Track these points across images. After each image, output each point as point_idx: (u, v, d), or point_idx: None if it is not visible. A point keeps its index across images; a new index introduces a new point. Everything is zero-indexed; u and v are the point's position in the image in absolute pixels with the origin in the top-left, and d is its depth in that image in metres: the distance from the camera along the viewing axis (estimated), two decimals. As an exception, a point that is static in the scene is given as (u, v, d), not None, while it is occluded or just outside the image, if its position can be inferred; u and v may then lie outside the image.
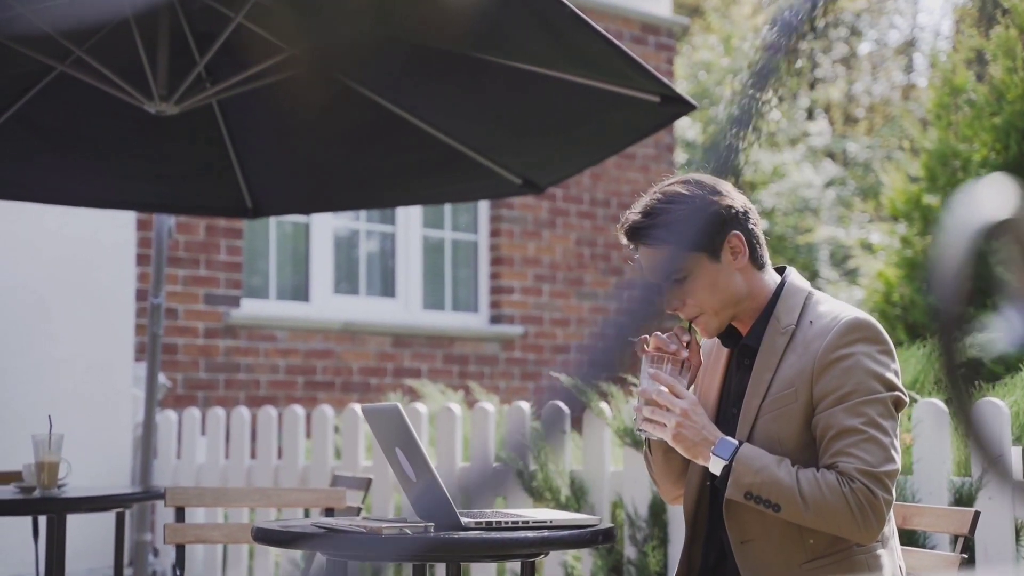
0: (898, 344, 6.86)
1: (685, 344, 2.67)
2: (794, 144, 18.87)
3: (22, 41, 4.55)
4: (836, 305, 2.64)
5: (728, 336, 2.74)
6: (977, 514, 2.72)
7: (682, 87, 17.82)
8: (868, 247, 14.67)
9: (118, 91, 4.60)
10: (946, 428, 3.93)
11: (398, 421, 2.78)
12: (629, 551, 4.65)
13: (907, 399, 2.58)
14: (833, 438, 2.52)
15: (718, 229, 2.64)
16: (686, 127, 17.48)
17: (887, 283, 8.45)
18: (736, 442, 2.57)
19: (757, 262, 2.69)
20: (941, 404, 3.93)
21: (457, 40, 4.44)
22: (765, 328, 2.65)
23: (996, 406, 3.79)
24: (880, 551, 2.58)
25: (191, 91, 4.71)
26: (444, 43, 4.46)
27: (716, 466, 2.56)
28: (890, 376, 2.54)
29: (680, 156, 16.21)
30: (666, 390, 2.61)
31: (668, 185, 2.68)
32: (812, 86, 21.84)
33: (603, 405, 4.83)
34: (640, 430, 2.65)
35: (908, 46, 22.19)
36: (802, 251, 16.98)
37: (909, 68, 22.19)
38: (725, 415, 2.70)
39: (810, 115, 20.67)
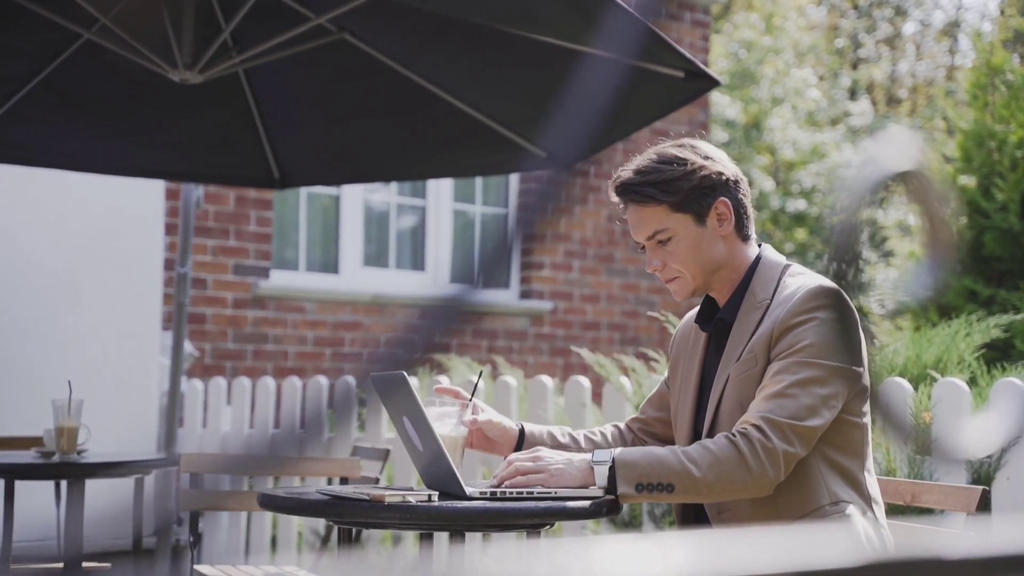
0: (929, 325, 6.81)
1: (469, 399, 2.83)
2: (835, 124, 18.72)
3: (49, 7, 4.57)
4: (807, 276, 2.64)
5: (705, 318, 2.75)
6: (985, 491, 2.70)
7: (722, 66, 17.70)
8: (906, 228, 14.57)
9: (142, 59, 4.62)
10: (966, 408, 3.90)
11: (404, 390, 2.78)
12: (648, 527, 4.65)
13: (860, 372, 2.56)
14: (758, 391, 2.53)
15: (707, 194, 2.66)
16: (725, 105, 17.37)
17: (919, 264, 8.38)
18: (612, 450, 2.59)
19: (742, 232, 2.71)
20: (961, 384, 3.90)
21: (484, 13, 4.42)
22: (741, 302, 2.66)
23: (1017, 386, 3.76)
24: (851, 510, 2.56)
25: (216, 60, 4.72)
26: (471, 16, 4.44)
27: (601, 475, 2.56)
28: (845, 346, 2.52)
29: (718, 134, 16.12)
30: (519, 462, 2.64)
31: (663, 147, 2.71)
32: (855, 66, 21.66)
33: (623, 380, 4.82)
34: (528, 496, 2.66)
35: (953, 27, 21.97)
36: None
37: (954, 49, 21.96)
38: (704, 399, 2.71)
39: (852, 95, 20.50)
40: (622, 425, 2.97)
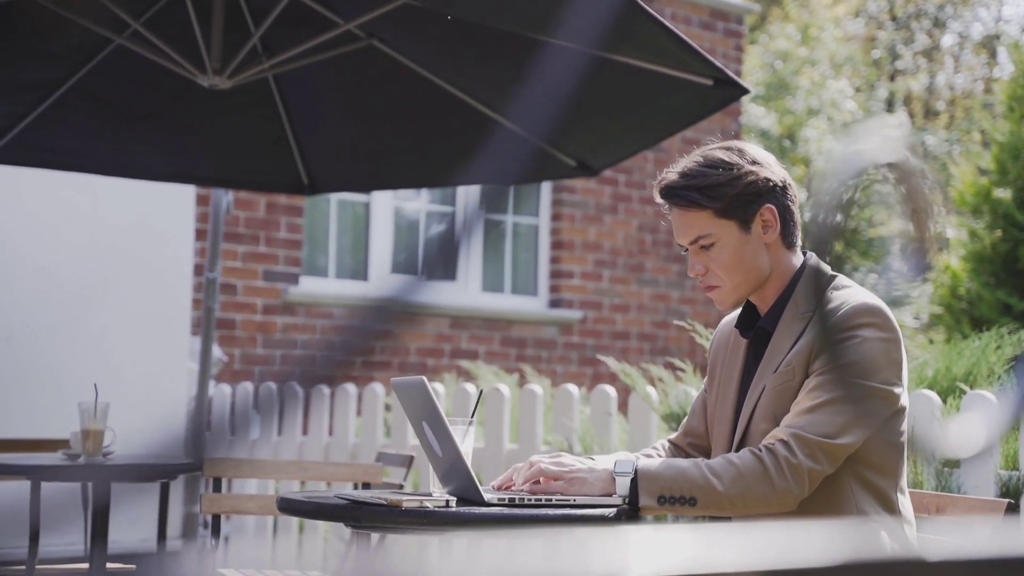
0: (960, 338, 6.75)
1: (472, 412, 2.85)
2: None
3: (81, 13, 4.59)
4: (853, 290, 2.58)
5: (745, 325, 2.70)
6: (1010, 504, 2.66)
7: (757, 76, 17.65)
8: (944, 241, 14.47)
9: (172, 64, 4.64)
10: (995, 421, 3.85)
11: (424, 395, 2.77)
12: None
13: (899, 393, 2.51)
14: (793, 405, 2.49)
15: (752, 200, 2.59)
16: (760, 116, 17.31)
17: (954, 277, 8.32)
18: (635, 460, 2.56)
19: (788, 239, 2.64)
20: (990, 396, 3.85)
21: (512, 20, 4.42)
22: (783, 311, 2.61)
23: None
24: (882, 532, 2.52)
25: (245, 65, 4.73)
26: (499, 23, 4.44)
27: (623, 486, 2.53)
28: (885, 366, 2.48)
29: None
30: (543, 464, 2.63)
31: (710, 149, 2.65)
32: (892, 77, 21.55)
33: (649, 390, 4.79)
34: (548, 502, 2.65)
35: (992, 39, 21.82)
36: (875, 244, 16.77)
37: (992, 62, 21.81)
38: (742, 408, 2.66)
39: (889, 107, 20.38)
40: (674, 438, 2.93)
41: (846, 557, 0.58)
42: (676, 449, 2.87)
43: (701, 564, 0.63)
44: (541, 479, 2.65)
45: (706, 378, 2.86)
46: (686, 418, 2.92)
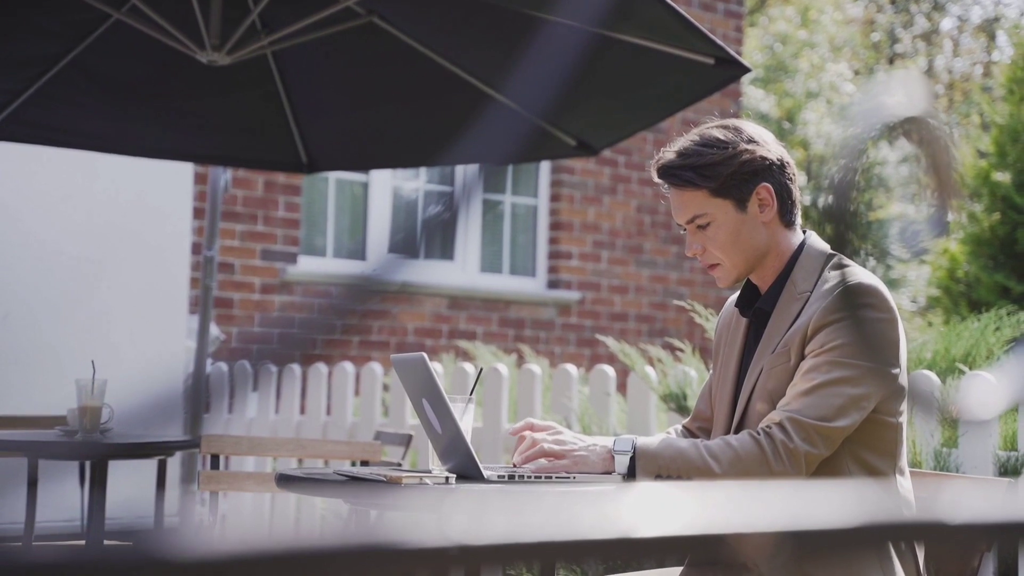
0: (959, 320, 6.74)
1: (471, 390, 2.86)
2: (869, 119, 18.57)
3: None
4: (851, 270, 2.56)
5: (745, 304, 2.69)
6: (1010, 484, 2.66)
7: (757, 59, 17.61)
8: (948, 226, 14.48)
9: (170, 40, 4.61)
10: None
11: (424, 372, 2.76)
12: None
13: (896, 373, 2.50)
14: (790, 387, 2.47)
15: (748, 179, 2.58)
16: (759, 99, 17.28)
17: (952, 259, 8.31)
18: (633, 438, 2.55)
19: (786, 218, 2.63)
20: (989, 377, 3.85)
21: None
22: (781, 291, 2.60)
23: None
24: None
25: (245, 41, 4.71)
26: (501, 0, 4.42)
27: (621, 463, 2.52)
28: (883, 346, 2.47)
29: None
30: (545, 444, 2.62)
31: (707, 128, 2.64)
32: (891, 61, 21.52)
33: (648, 370, 4.79)
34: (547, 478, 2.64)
35: (991, 23, 21.78)
36: (873, 228, 16.78)
37: (991, 46, 21.77)
38: (741, 388, 2.65)
39: (887, 90, 20.32)
40: (685, 423, 2.92)
41: (863, 518, 0.57)
42: (687, 434, 2.87)
43: (712, 524, 0.62)
44: (542, 460, 2.65)
45: (712, 361, 2.85)
46: (696, 402, 2.92)
